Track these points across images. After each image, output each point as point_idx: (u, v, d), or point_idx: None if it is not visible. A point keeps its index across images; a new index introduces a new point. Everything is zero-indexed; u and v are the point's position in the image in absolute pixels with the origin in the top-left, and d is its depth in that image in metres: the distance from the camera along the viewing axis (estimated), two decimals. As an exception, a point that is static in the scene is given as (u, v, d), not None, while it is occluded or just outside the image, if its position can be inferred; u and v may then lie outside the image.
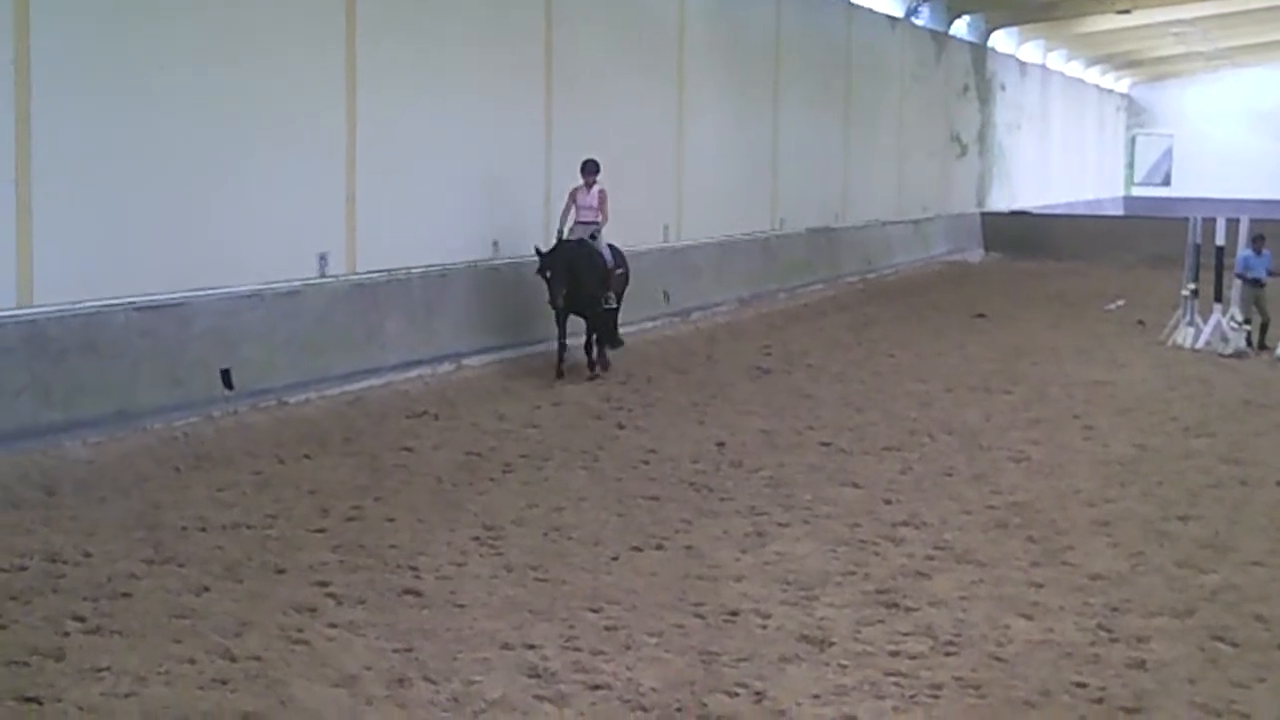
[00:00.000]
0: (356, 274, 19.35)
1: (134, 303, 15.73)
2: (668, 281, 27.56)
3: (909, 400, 19.55)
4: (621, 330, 22.12)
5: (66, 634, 9.54)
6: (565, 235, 20.69)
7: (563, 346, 20.68)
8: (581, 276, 20.44)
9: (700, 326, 27.27)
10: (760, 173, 32.34)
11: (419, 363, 20.05)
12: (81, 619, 9.84)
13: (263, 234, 17.62)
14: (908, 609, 10.48)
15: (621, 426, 17.28)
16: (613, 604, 10.40)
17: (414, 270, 20.38)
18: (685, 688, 8.81)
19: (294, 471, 14.50)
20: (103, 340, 15.41)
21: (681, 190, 28.53)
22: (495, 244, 22.13)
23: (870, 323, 28.84)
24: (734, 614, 10.26)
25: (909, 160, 42.19)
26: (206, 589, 10.57)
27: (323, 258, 18.71)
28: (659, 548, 11.99)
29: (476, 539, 12.12)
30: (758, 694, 8.76)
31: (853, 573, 11.36)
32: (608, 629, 9.85)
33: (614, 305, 21.29)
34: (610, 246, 21.42)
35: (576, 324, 21.12)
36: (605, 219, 21.15)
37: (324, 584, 10.74)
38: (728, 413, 18.34)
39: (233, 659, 9.12)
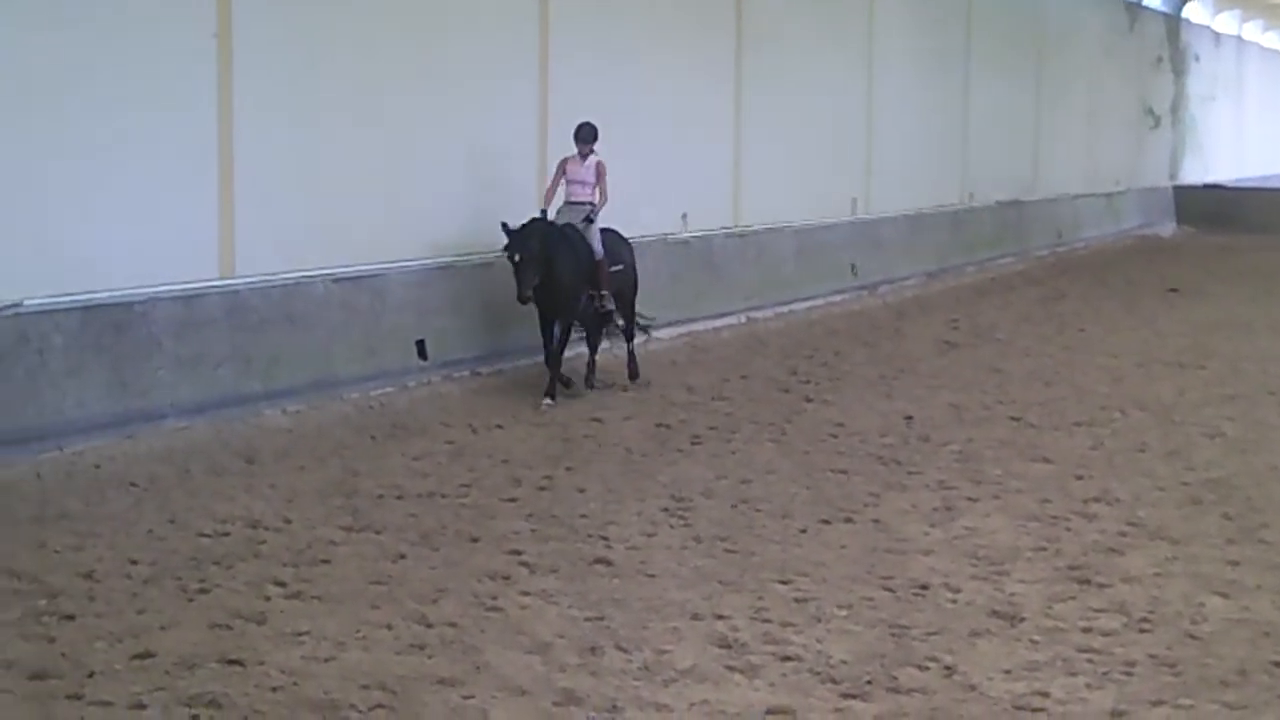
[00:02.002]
0: (545, 245, 19.48)
1: (332, 274, 16.02)
2: (855, 254, 27.47)
3: (1100, 375, 19.32)
4: (727, 321, 22.00)
5: (268, 599, 9.77)
6: (550, 217, 16.99)
7: (551, 357, 16.87)
8: (557, 266, 16.48)
9: (888, 300, 27.15)
10: (950, 145, 32.08)
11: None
12: (282, 584, 10.06)
13: (456, 206, 17.83)
14: (1100, 585, 10.39)
15: (809, 400, 17.28)
16: (802, 576, 10.44)
17: (603, 242, 20.47)
18: (875, 660, 8.82)
19: (486, 441, 14.70)
20: (301, 311, 15.72)
21: (870, 163, 28.39)
22: (684, 217, 22.19)
23: (1060, 297, 28.51)
24: (923, 588, 10.25)
25: (1101, 132, 41.56)
26: (403, 556, 10.78)
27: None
28: (848, 521, 12.00)
29: (666, 510, 12.21)
30: (948, 668, 8.75)
31: (1043, 548, 11.28)
32: (797, 601, 9.89)
33: (609, 307, 17.48)
34: (609, 233, 17.70)
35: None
36: (604, 198, 17.33)
37: (517, 552, 10.89)
38: (916, 387, 18.27)
39: (429, 625, 9.29)
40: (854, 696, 8.31)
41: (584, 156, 17.24)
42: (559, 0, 19.44)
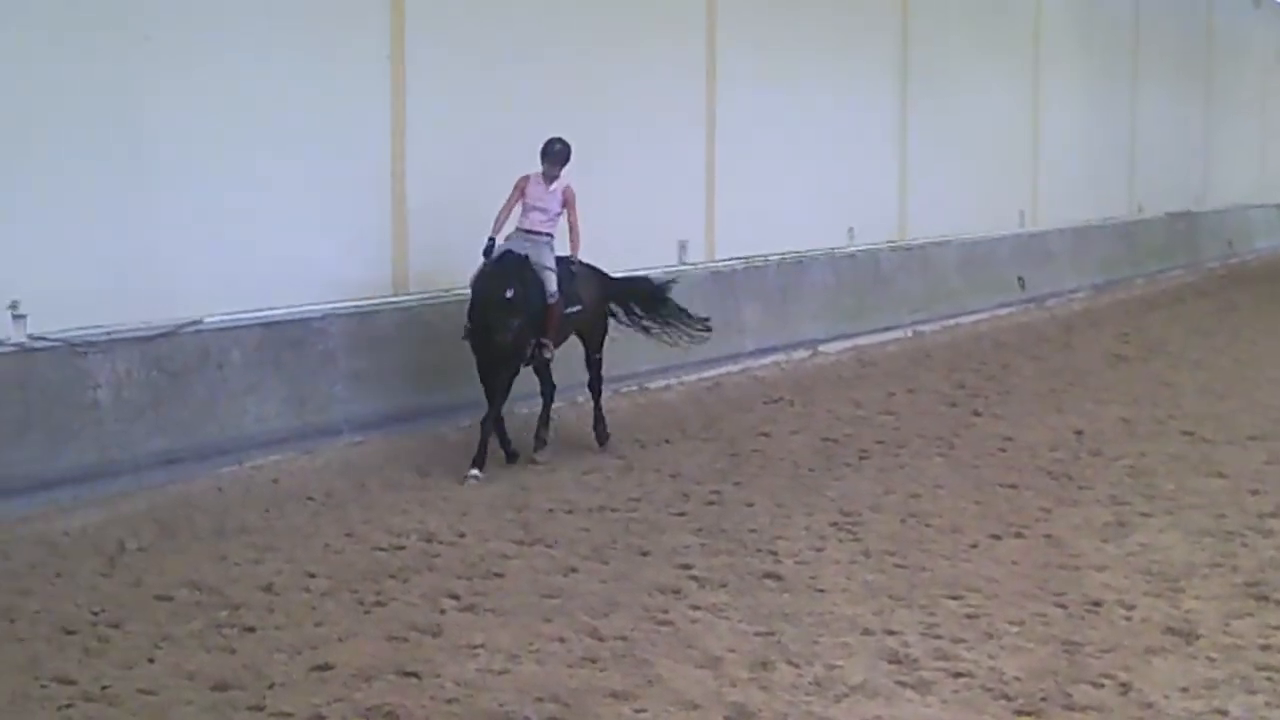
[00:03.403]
0: (715, 261, 19.60)
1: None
2: (1022, 267, 27.26)
3: (1274, 388, 19.01)
4: (893, 334, 22.04)
5: (443, 611, 9.89)
6: (498, 244, 14.34)
7: (487, 418, 14.09)
8: (493, 307, 13.83)
9: (1055, 313, 26.90)
10: (1117, 157, 31.75)
11: (775, 349, 20.23)
12: (456, 597, 10.18)
13: (624, 222, 17.94)
14: (1278, 602, 10.24)
15: (977, 414, 17.18)
16: (973, 591, 10.38)
17: (771, 257, 20.54)
18: (1049, 677, 8.76)
19: (655, 456, 14.79)
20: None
21: (1037, 175, 28.17)
22: (851, 231, 22.17)
23: (1232, 309, 28.08)
24: (1097, 604, 10.15)
25: (1272, 142, 40.88)
26: (574, 570, 10.87)
27: (682, 245, 19.02)
28: (1018, 536, 11.92)
29: (834, 524, 12.21)
30: (1124, 685, 8.66)
31: (1219, 564, 11.13)
32: (968, 616, 9.84)
33: (547, 357, 14.64)
34: (579, 267, 14.92)
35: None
36: (576, 234, 14.74)
37: (686, 566, 10.94)
38: (1085, 400, 18.08)
39: (600, 638, 9.36)
40: (1028, 714, 8.25)
41: (549, 180, 14.47)
42: (725, 19, 19.51)
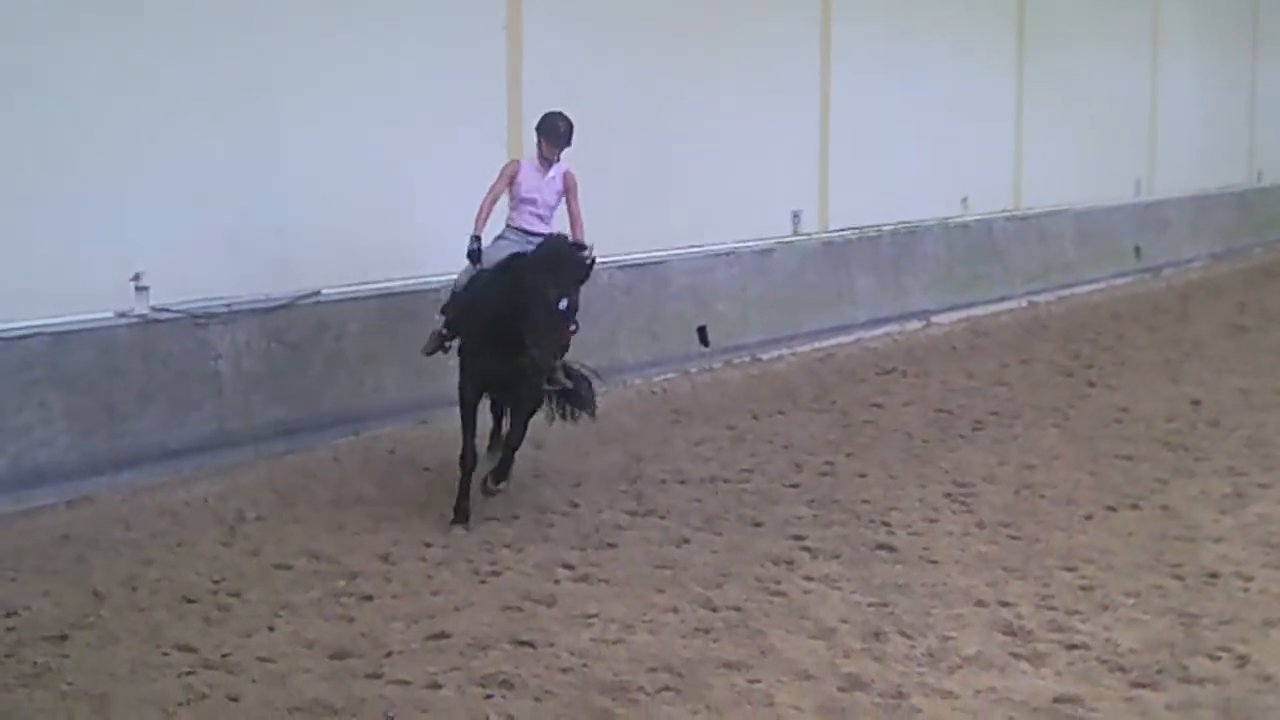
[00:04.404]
0: (828, 231, 19.57)
1: (617, 262, 16.22)
2: (1139, 236, 26.99)
3: (1397, 359, 18.75)
4: (1007, 305, 22.04)
5: (557, 581, 9.98)
6: (483, 242, 11.72)
7: (465, 454, 11.43)
8: (541, 314, 10.94)
9: (1172, 283, 26.61)
10: (1236, 125, 31.27)
11: (888, 320, 20.18)
12: (570, 567, 10.28)
13: (737, 193, 17.96)
14: (1380, 576, 10.14)
15: (1092, 384, 17.05)
16: (1088, 563, 10.33)
17: (884, 228, 20.47)
18: (1165, 649, 8.71)
19: (767, 426, 14.79)
20: (590, 298, 15.94)
21: (1155, 143, 27.84)
22: (964, 201, 22.04)
23: (1355, 277, 27.67)
24: (1214, 576, 10.08)
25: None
26: (686, 540, 10.92)
27: (796, 215, 19.00)
28: (1134, 507, 11.83)
29: (948, 495, 12.18)
30: (1241, 658, 8.60)
31: (1339, 536, 11.04)
32: (1083, 588, 9.80)
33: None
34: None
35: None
36: (580, 227, 11.92)
37: (799, 537, 10.96)
38: (1203, 370, 17.89)
39: (713, 609, 9.41)
40: (1144, 686, 8.22)
41: (546, 165, 11.85)
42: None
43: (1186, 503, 11.96)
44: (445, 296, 12.38)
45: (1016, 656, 8.64)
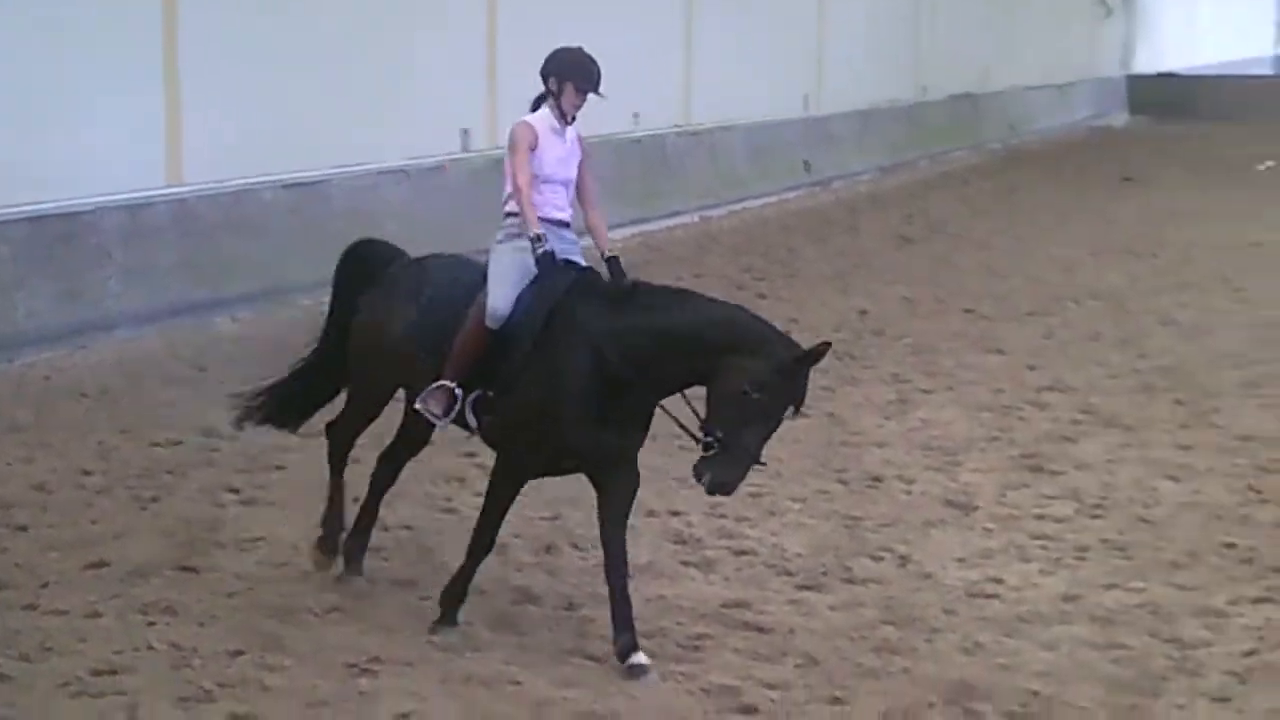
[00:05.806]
0: (498, 149, 19.35)
1: (280, 180, 15.89)
2: (808, 151, 27.38)
3: (1053, 265, 19.38)
4: (680, 220, 22.15)
5: (222, 506, 9.81)
6: (546, 244, 7.95)
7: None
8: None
9: (841, 196, 27.09)
10: (903, 39, 31.93)
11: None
12: (236, 491, 10.10)
13: (405, 110, 17.69)
14: (1053, 473, 10.48)
15: (763, 296, 17.22)
16: (755, 470, 10.42)
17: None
18: (830, 552, 8.88)
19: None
20: (250, 218, 15.60)
21: (822, 58, 28.24)
22: (636, 116, 21.99)
23: (1014, 189, 28.50)
24: (877, 480, 10.31)
25: (1053, 23, 41.43)
26: (356, 460, 10.70)
27: (465, 133, 18.79)
28: (802, 415, 11.97)
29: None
30: (902, 558, 8.82)
31: (997, 438, 11.36)
32: (751, 495, 9.85)
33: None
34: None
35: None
36: (595, 210, 8.73)
37: (470, 454, 10.67)
38: (870, 281, 18.28)
39: (385, 528, 9.24)
40: (809, 588, 8.37)
41: (567, 121, 8.45)
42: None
43: (852, 409, 12.19)
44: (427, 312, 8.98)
45: (686, 564, 8.73)
